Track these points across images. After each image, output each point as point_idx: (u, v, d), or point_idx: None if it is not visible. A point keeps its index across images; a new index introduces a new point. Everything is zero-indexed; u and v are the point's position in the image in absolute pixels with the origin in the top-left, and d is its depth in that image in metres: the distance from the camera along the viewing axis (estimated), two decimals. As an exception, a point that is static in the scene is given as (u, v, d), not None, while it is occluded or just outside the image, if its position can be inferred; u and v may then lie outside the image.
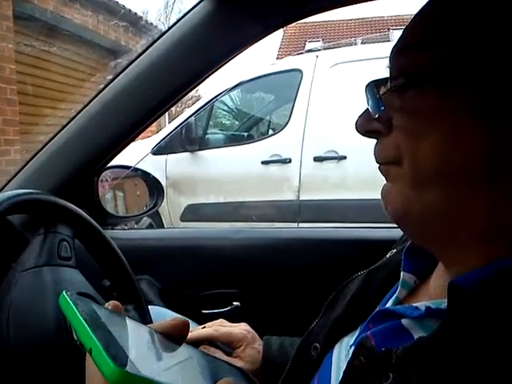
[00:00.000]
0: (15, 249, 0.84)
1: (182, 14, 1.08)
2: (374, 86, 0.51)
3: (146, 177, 1.63)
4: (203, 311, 1.23)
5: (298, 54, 4.82)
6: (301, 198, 3.78)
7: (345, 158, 3.71)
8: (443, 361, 0.39)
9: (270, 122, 4.71)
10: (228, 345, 0.79)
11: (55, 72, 5.61)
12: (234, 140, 4.60)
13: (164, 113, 1.18)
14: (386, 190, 0.51)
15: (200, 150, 4.06)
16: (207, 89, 4.87)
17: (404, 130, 0.47)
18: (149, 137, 4.33)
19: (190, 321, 0.48)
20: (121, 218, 1.61)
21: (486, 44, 0.44)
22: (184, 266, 1.27)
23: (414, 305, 0.50)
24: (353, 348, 0.53)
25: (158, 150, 3.98)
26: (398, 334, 0.48)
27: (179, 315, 0.99)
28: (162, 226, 3.96)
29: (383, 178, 0.52)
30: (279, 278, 1.23)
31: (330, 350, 0.60)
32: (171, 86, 1.11)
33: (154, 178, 1.67)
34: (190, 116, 4.04)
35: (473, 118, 0.44)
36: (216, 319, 0.85)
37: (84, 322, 0.37)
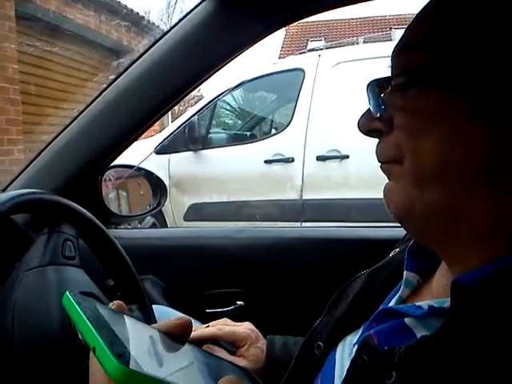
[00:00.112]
0: (19, 248, 0.85)
1: (183, 13, 1.08)
2: (375, 86, 0.52)
3: (150, 176, 1.64)
4: (207, 310, 1.23)
5: (300, 53, 4.81)
6: (304, 198, 3.78)
7: (347, 157, 3.70)
8: (446, 359, 0.39)
9: (272, 121, 4.71)
10: (232, 344, 0.79)
11: (58, 72, 5.62)
12: (236, 139, 4.59)
13: (166, 112, 1.18)
14: (387, 188, 0.51)
15: (203, 149, 4.06)
16: (210, 88, 4.88)
17: (405, 128, 0.48)
18: (152, 136, 4.34)
19: (193, 320, 0.48)
20: (124, 217, 1.62)
21: (488, 43, 0.44)
22: (188, 265, 1.27)
23: (417, 304, 0.50)
24: (356, 347, 0.53)
25: (161, 150, 3.98)
26: (401, 333, 0.48)
27: (183, 314, 0.99)
28: (166, 226, 3.97)
29: (385, 177, 0.52)
30: (283, 278, 1.23)
31: (333, 348, 0.60)
32: (173, 85, 1.12)
33: (158, 177, 1.67)
34: (193, 115, 4.03)
35: (474, 117, 0.44)
36: (220, 318, 0.85)
37: (87, 321, 0.38)
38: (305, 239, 1.29)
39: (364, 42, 5.10)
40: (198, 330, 0.79)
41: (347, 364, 0.50)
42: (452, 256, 0.49)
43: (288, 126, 3.98)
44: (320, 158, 3.77)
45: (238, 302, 1.24)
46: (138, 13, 7.03)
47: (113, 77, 1.16)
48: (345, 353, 0.57)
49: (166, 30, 1.11)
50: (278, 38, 11.85)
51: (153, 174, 1.66)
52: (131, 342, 0.38)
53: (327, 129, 3.76)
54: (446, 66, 0.45)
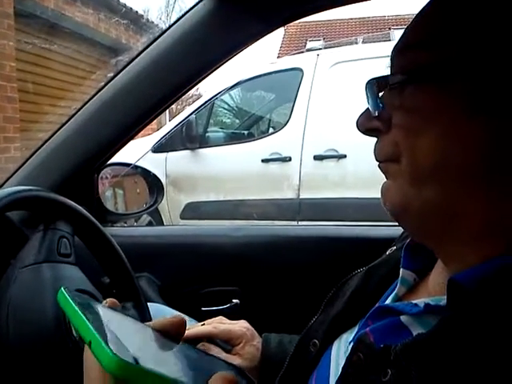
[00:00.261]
0: (14, 245, 0.84)
1: (182, 12, 1.08)
2: (374, 85, 0.52)
3: (146, 174, 1.63)
4: (202, 308, 1.23)
5: (297, 53, 4.81)
6: (301, 197, 3.78)
7: (345, 156, 3.71)
8: (442, 357, 0.39)
9: (270, 120, 4.71)
10: (227, 342, 0.79)
11: (56, 70, 5.61)
12: (234, 138, 4.60)
13: (164, 111, 1.18)
14: (385, 187, 0.51)
15: (200, 147, 4.06)
16: (208, 87, 4.88)
17: (403, 127, 0.48)
18: (149, 134, 4.34)
19: (189, 318, 0.48)
20: (120, 215, 1.61)
21: (485, 43, 0.44)
22: (184, 263, 1.27)
23: (414, 302, 0.50)
24: (352, 344, 0.53)
25: (159, 148, 3.99)
26: (397, 331, 0.48)
27: (179, 312, 0.99)
28: (162, 224, 3.96)
29: (383, 177, 0.52)
30: (279, 276, 1.23)
31: (328, 346, 0.60)
32: (171, 84, 1.11)
33: (154, 175, 1.67)
34: (191, 114, 4.04)
35: (471, 115, 0.44)
36: (215, 316, 0.85)
37: (83, 315, 0.38)
38: (301, 237, 1.29)
39: (363, 42, 5.10)
40: (194, 328, 0.79)
41: (343, 362, 0.50)
42: (449, 254, 0.49)
43: (286, 125, 3.98)
44: (317, 158, 3.77)
45: (234, 300, 1.24)
46: (137, 11, 7.01)
47: (111, 75, 1.16)
48: (340, 351, 0.57)
49: (164, 28, 1.11)
50: (276, 37, 11.88)
51: (149, 172, 1.66)
52: (125, 338, 0.38)
53: (325, 128, 3.77)
54: (443, 65, 0.45)
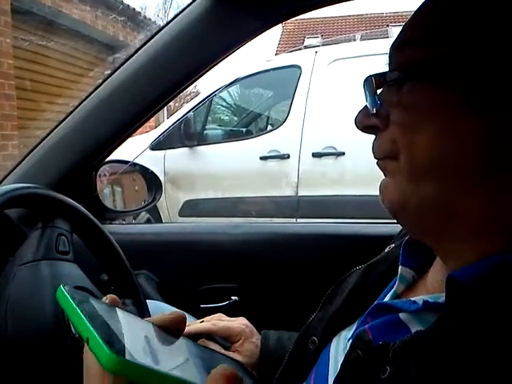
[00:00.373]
0: (13, 243, 0.84)
1: (180, 9, 1.08)
2: (372, 82, 0.52)
3: (145, 172, 1.63)
4: (201, 305, 1.23)
5: (295, 50, 4.81)
6: (299, 194, 3.78)
7: (343, 154, 3.70)
8: (441, 354, 0.39)
9: (268, 117, 4.70)
10: (226, 339, 0.79)
11: (53, 67, 5.59)
12: (232, 135, 4.59)
13: (162, 108, 1.17)
14: (383, 184, 0.51)
15: (198, 145, 4.05)
16: (206, 84, 4.87)
17: (401, 124, 0.48)
18: (147, 132, 4.33)
19: (188, 315, 0.48)
20: (119, 212, 1.61)
21: (483, 40, 0.44)
22: (182, 260, 1.27)
23: (412, 299, 0.50)
24: (350, 341, 0.53)
25: (157, 145, 3.98)
26: (396, 328, 0.48)
27: (177, 309, 0.99)
28: (160, 221, 3.96)
29: (381, 174, 0.52)
30: (277, 273, 1.23)
31: (327, 343, 0.60)
32: (169, 81, 1.11)
33: (153, 172, 1.67)
34: (189, 111, 4.03)
35: (469, 112, 0.44)
36: (214, 313, 0.85)
37: (81, 313, 0.38)
38: (300, 235, 1.29)
39: (361, 39, 5.09)
40: (193, 325, 0.79)
41: (341, 359, 0.50)
42: (447, 251, 0.49)
43: (284, 122, 3.98)
44: (316, 155, 3.77)
45: (233, 298, 1.24)
46: (134, 8, 6.99)
47: (108, 72, 1.15)
48: (339, 348, 0.57)
49: (162, 25, 1.11)
50: (274, 34, 11.86)
51: (148, 169, 1.66)
52: (125, 335, 0.38)
53: (323, 126, 3.76)
54: (441, 62, 0.45)
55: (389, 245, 0.67)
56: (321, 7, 1.06)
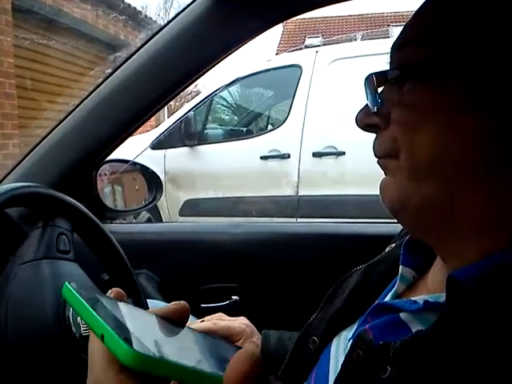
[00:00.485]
0: (13, 242, 0.84)
1: (181, 8, 1.08)
2: (373, 81, 0.52)
3: (145, 171, 1.63)
4: (202, 305, 1.23)
5: (295, 49, 4.80)
6: (300, 194, 3.78)
7: (344, 153, 3.70)
8: (441, 354, 0.39)
9: (269, 117, 4.70)
10: (227, 338, 0.79)
11: (54, 66, 5.59)
12: (232, 135, 4.59)
13: (162, 107, 1.17)
14: (384, 183, 0.51)
15: (199, 144, 4.05)
16: (206, 84, 4.87)
17: (401, 123, 0.48)
18: (148, 131, 4.33)
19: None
20: (119, 212, 1.61)
21: (483, 40, 0.44)
22: (183, 260, 1.27)
23: (413, 299, 0.50)
24: (351, 341, 0.53)
25: (157, 145, 3.98)
26: (396, 328, 0.48)
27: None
28: (161, 221, 3.96)
29: (382, 174, 0.52)
30: (278, 273, 1.23)
31: (328, 343, 0.60)
32: (169, 80, 1.11)
33: (153, 172, 1.67)
34: (189, 111, 4.03)
35: (469, 111, 0.44)
36: (215, 313, 0.85)
37: (91, 309, 0.38)
38: (300, 234, 1.29)
39: (362, 38, 5.09)
40: (193, 324, 0.79)
41: (342, 359, 0.50)
42: (448, 250, 0.49)
43: (284, 122, 3.97)
44: (316, 155, 3.77)
45: (233, 297, 1.24)
46: (135, 7, 7.00)
47: (109, 71, 1.15)
48: (340, 348, 0.57)
49: (163, 24, 1.11)
50: (275, 34, 11.86)
51: (148, 168, 1.66)
52: (136, 328, 0.38)
53: (324, 125, 3.76)
54: (441, 61, 0.45)
55: (389, 244, 0.67)
56: (321, 7, 1.06)
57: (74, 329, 0.73)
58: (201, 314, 0.90)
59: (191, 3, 1.05)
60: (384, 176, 0.52)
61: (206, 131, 4.35)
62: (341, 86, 3.68)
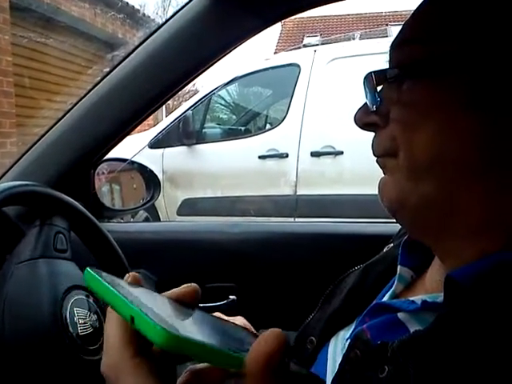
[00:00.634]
0: (10, 241, 0.84)
1: (179, 7, 1.08)
2: (372, 79, 0.52)
3: (143, 170, 1.63)
4: (199, 305, 1.23)
5: (293, 48, 4.80)
6: (298, 193, 3.78)
7: (342, 153, 3.71)
8: (439, 354, 0.39)
9: (267, 116, 4.70)
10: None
11: (52, 64, 5.58)
12: (231, 134, 4.59)
13: (161, 106, 1.17)
14: (382, 182, 0.51)
15: (197, 143, 4.05)
16: (204, 83, 4.87)
17: (400, 121, 0.48)
18: (146, 130, 4.32)
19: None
20: (117, 211, 1.61)
21: (482, 39, 0.44)
22: (180, 259, 1.27)
23: (411, 299, 0.50)
24: (349, 341, 0.53)
25: (155, 144, 3.98)
26: (394, 328, 0.48)
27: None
28: (159, 220, 3.96)
29: (380, 173, 0.52)
30: (276, 272, 1.23)
31: (325, 343, 0.60)
32: (168, 79, 1.11)
33: (151, 171, 1.66)
34: (188, 110, 4.03)
35: (468, 110, 0.44)
36: (212, 313, 0.84)
37: (117, 292, 0.37)
38: (298, 234, 1.29)
39: (360, 38, 5.09)
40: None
41: (339, 359, 0.50)
42: (446, 250, 0.49)
43: (283, 121, 3.98)
44: (314, 154, 3.77)
45: (231, 297, 1.24)
46: (133, 6, 6.99)
47: (107, 70, 1.15)
48: (337, 348, 0.57)
49: (161, 23, 1.10)
50: (273, 33, 11.85)
51: (146, 167, 1.65)
52: (158, 309, 0.38)
53: (322, 125, 3.76)
54: (440, 59, 0.45)
55: (387, 244, 0.67)
56: (320, 5, 1.06)
57: (70, 328, 0.73)
58: (198, 313, 0.90)
59: (189, 2, 1.04)
60: (382, 175, 0.52)
61: (204, 130, 4.35)
62: (339, 86, 3.68)
